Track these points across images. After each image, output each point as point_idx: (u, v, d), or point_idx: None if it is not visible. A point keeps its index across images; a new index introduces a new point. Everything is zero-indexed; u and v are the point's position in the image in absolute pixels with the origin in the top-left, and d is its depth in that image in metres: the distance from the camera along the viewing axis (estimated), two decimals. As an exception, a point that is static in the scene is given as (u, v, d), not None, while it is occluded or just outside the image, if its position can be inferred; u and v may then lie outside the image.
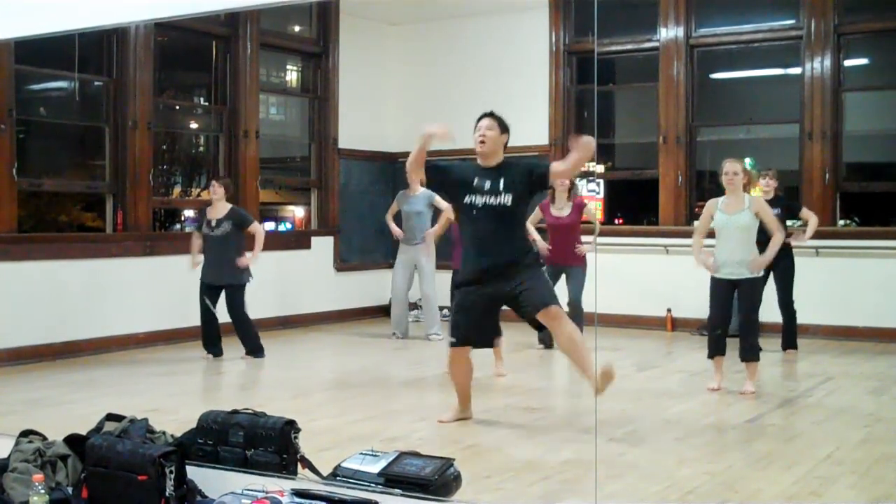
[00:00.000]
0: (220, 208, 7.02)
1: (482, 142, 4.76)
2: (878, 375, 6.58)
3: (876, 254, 7.87)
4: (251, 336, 7.00)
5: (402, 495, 3.11)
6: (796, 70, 8.56)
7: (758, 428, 4.98)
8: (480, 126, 4.80)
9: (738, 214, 5.68)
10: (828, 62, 8.30)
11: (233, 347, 6.99)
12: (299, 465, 3.32)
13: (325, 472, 3.31)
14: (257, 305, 8.41)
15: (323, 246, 9.41)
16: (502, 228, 4.70)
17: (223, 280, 6.93)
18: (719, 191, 5.93)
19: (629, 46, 9.29)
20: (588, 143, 4.67)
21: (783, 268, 6.92)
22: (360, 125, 9.64)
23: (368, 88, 9.74)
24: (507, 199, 4.68)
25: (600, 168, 9.79)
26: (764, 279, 6.22)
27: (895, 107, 8.77)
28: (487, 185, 4.70)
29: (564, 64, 9.41)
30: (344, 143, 9.56)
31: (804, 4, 8.43)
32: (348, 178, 9.66)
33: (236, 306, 6.94)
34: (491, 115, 4.86)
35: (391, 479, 3.17)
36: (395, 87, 10.00)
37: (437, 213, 7.72)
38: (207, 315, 6.96)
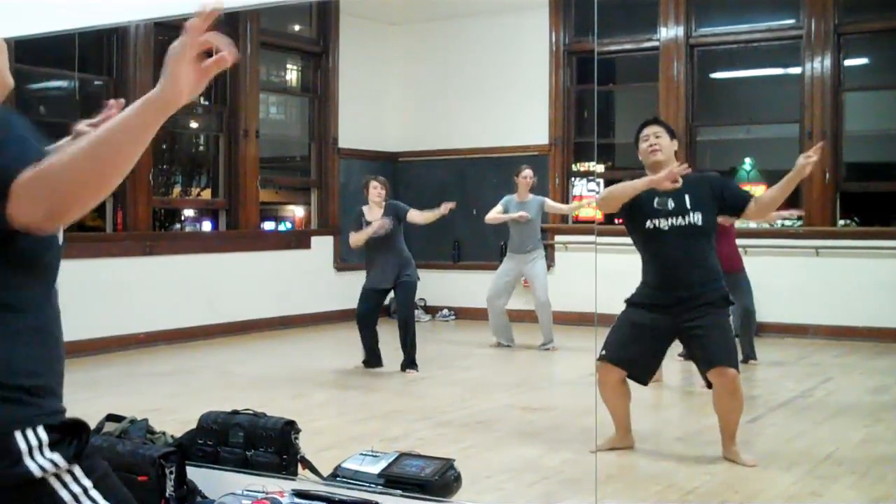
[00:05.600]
0: (378, 207, 6.57)
1: (655, 150, 4.14)
2: (878, 375, 6.58)
3: (876, 254, 7.86)
4: (413, 342, 6.50)
5: (402, 496, 3.11)
6: (796, 70, 8.56)
7: (758, 428, 4.98)
8: (647, 134, 4.18)
9: None
10: (828, 62, 8.29)
11: (233, 349, 6.98)
12: (299, 466, 3.32)
13: (326, 472, 3.31)
14: (257, 306, 8.44)
15: (323, 246, 9.40)
16: (692, 253, 4.12)
17: (397, 278, 6.48)
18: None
19: (629, 46, 9.28)
20: (806, 160, 3.87)
21: None
22: (360, 125, 9.64)
23: (368, 88, 9.74)
24: (696, 217, 4.09)
25: (600, 168, 9.79)
26: None
27: (895, 107, 8.77)
28: (671, 204, 4.09)
29: (564, 64, 9.41)
30: (344, 142, 9.56)
31: (804, 4, 8.43)
32: (348, 177, 9.65)
33: (408, 305, 6.56)
34: (656, 120, 4.30)
35: (391, 480, 3.17)
36: (395, 87, 10.00)
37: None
38: (368, 320, 6.54)
